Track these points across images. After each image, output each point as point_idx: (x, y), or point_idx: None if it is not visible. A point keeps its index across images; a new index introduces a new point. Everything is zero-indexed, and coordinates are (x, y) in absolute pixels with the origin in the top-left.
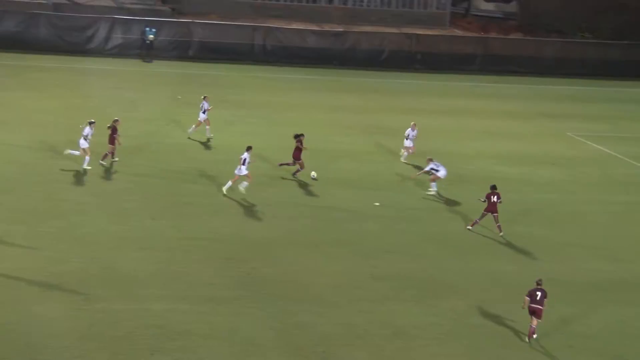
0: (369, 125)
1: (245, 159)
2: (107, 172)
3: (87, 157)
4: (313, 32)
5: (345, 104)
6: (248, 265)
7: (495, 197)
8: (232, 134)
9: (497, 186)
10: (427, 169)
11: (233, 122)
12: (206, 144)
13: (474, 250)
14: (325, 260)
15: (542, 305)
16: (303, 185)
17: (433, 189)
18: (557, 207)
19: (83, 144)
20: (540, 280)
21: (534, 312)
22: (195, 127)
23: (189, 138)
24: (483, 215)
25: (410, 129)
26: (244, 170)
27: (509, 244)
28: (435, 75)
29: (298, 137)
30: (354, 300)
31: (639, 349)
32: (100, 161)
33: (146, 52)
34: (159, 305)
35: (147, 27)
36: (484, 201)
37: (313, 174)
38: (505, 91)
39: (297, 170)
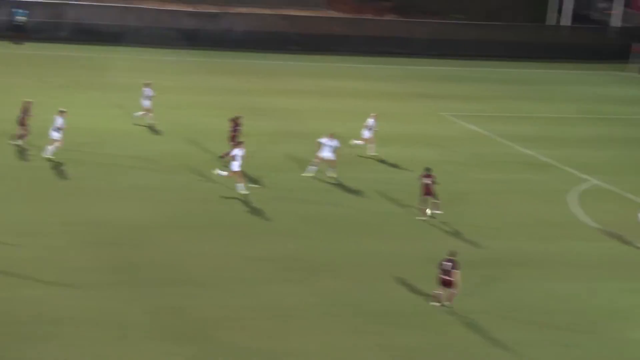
0: (247, 106)
1: (236, 155)
2: None
3: (55, 146)
4: (188, 13)
5: (221, 85)
6: (124, 250)
7: (425, 179)
8: (106, 117)
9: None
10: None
11: (106, 105)
12: (80, 129)
13: (353, 231)
14: (203, 243)
15: (450, 277)
16: (181, 169)
17: (311, 170)
18: (434, 186)
19: (55, 135)
20: (451, 252)
21: (443, 283)
22: (148, 114)
23: (138, 125)
24: (422, 201)
25: (371, 119)
26: (235, 167)
27: (388, 224)
28: (312, 56)
29: (234, 120)
30: (231, 282)
31: (524, 321)
32: (12, 142)
33: (16, 33)
34: (32, 291)
35: (14, 8)
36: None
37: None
38: (381, 72)
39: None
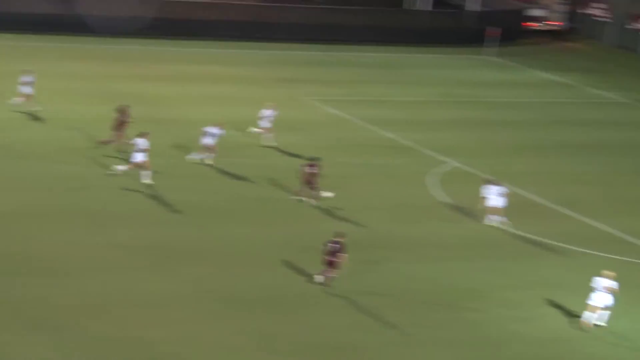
0: (103, 92)
1: (139, 145)
2: None
3: None
4: None
5: (82, 71)
6: None
7: (308, 167)
8: None
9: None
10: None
11: None
12: None
13: (215, 217)
14: (59, 230)
15: (335, 258)
16: (35, 156)
17: (196, 156)
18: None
19: None
20: (338, 233)
21: (328, 263)
22: (28, 101)
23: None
24: (303, 188)
25: (269, 110)
26: (138, 157)
27: (252, 209)
28: (175, 41)
29: (120, 109)
30: (95, 271)
31: (396, 302)
32: None
33: None
34: None
35: None
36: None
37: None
38: (244, 57)
39: (110, 141)
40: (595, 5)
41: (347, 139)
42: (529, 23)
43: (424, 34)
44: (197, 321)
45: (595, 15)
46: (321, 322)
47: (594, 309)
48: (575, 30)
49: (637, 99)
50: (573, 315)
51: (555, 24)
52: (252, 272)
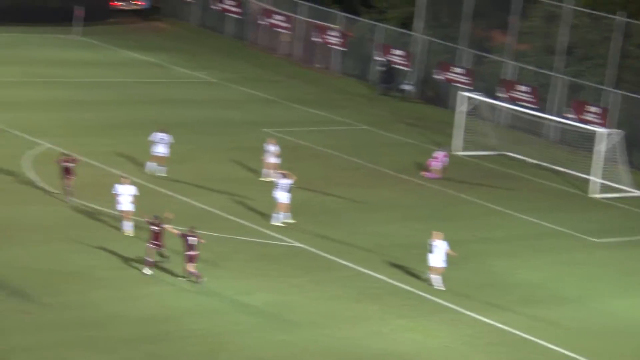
0: None
1: None
2: None
3: None
4: None
5: None
6: None
7: (65, 162)
8: None
9: None
10: None
11: None
12: None
13: None
14: None
15: (194, 250)
16: None
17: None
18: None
19: None
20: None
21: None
22: None
23: None
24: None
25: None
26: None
27: None
28: None
29: None
30: None
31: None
32: None
33: None
34: None
35: None
36: None
37: None
38: None
39: None
40: None
41: None
42: (114, 2)
43: (4, 11)
44: None
45: None
46: None
47: (436, 270)
48: (160, 10)
49: (223, 78)
50: (181, 292)
51: (138, 3)
52: None
